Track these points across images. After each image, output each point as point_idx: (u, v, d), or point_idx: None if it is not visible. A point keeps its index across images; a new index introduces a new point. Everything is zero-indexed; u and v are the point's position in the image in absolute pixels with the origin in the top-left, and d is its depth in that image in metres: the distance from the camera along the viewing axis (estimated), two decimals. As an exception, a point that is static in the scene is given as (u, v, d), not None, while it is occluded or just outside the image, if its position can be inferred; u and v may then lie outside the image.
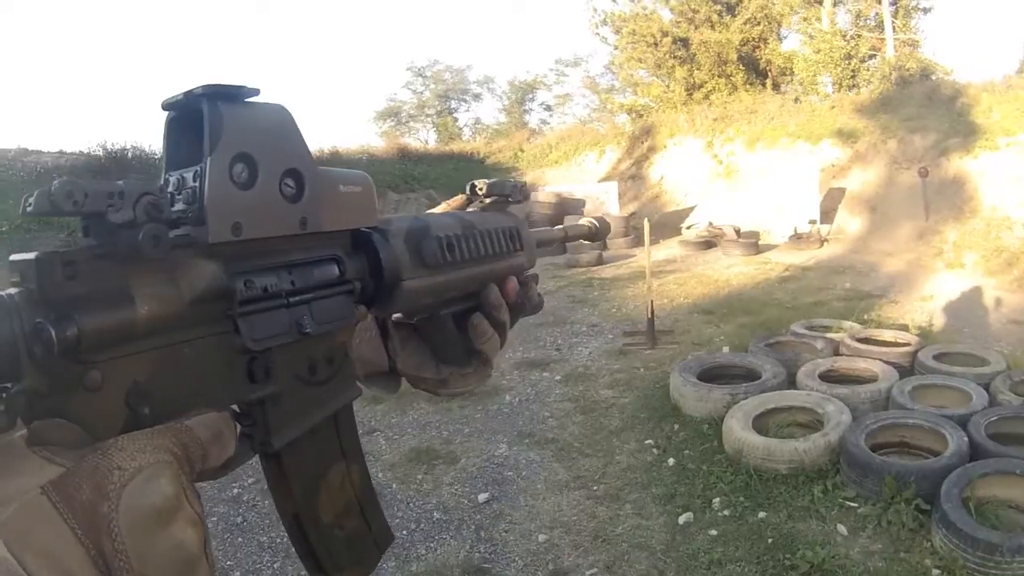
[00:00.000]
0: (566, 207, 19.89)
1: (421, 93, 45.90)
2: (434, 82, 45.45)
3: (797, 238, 17.76)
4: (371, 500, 0.79)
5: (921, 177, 17.02)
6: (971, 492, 4.68)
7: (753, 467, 5.49)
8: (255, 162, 0.62)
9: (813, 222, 18.08)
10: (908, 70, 24.48)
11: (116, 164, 18.63)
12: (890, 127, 19.83)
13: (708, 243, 18.20)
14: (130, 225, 0.50)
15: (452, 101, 46.45)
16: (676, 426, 6.63)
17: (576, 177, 26.19)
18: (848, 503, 5.09)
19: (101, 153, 19.37)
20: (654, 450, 6.24)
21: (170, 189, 0.61)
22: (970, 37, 56.53)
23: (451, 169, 26.62)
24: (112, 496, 0.45)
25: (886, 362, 7.23)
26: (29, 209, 0.48)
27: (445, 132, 44.13)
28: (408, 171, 25.14)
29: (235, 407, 0.64)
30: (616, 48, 32.72)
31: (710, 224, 19.73)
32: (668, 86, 30.00)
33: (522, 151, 30.21)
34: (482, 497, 5.59)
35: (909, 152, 18.92)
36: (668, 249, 18.13)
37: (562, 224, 1.22)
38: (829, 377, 7.00)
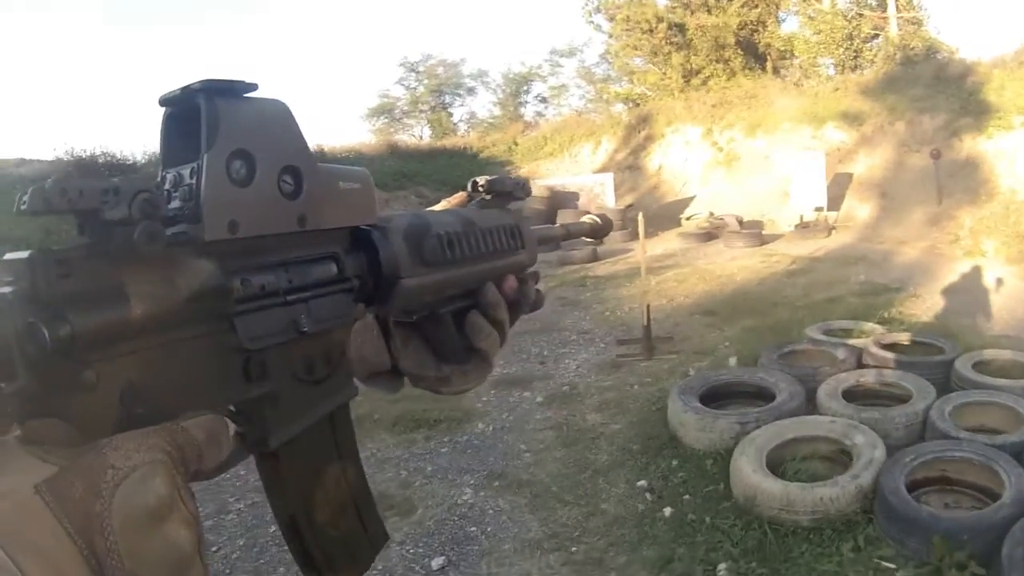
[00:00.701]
0: (559, 200, 19.04)
1: (414, 89, 45.03)
2: (427, 77, 44.63)
3: (803, 227, 16.82)
4: (367, 500, 0.77)
5: (933, 159, 16.12)
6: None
7: (768, 518, 4.50)
8: (253, 158, 0.61)
9: (820, 209, 17.13)
10: (913, 49, 23.50)
11: (83, 170, 17.88)
12: (897, 108, 18.97)
13: (709, 235, 17.27)
14: (125, 222, 0.49)
15: (446, 96, 45.62)
16: (675, 462, 5.65)
17: (572, 169, 25.52)
18: (884, 563, 4.10)
19: (68, 158, 18.76)
20: (647, 495, 5.25)
21: (167, 186, 0.59)
22: (974, 14, 55.13)
23: (443, 165, 25.96)
24: (105, 495, 0.44)
25: (918, 374, 6.28)
26: (23, 208, 0.47)
27: (439, 128, 43.27)
28: (398, 168, 24.35)
29: (231, 406, 0.62)
30: (611, 36, 31.86)
31: (711, 214, 18.86)
32: (665, 73, 29.13)
33: (516, 144, 29.58)
34: (437, 563, 4.60)
35: (918, 134, 18.06)
36: (667, 242, 17.21)
37: (556, 218, 0.98)
38: (855, 395, 6.08)
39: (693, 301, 11.26)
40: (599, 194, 19.97)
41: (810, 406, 5.98)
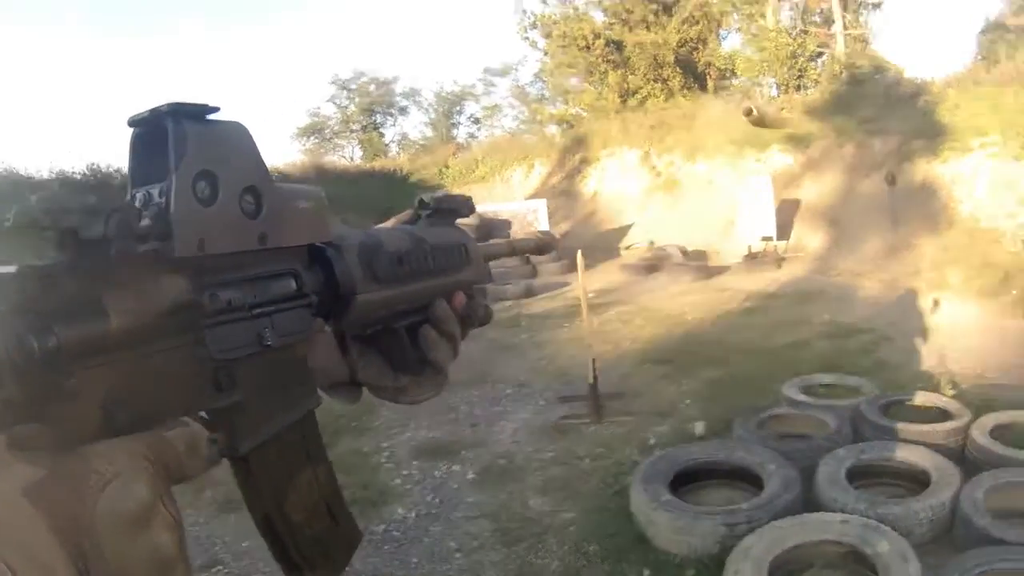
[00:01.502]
0: (490, 228, 17.58)
1: (345, 107, 43.44)
2: (359, 95, 43.09)
3: (751, 258, 15.63)
4: (338, 500, 0.80)
5: (888, 184, 15.06)
6: None
7: None
8: (216, 179, 0.63)
9: (768, 239, 15.92)
10: (860, 68, 22.54)
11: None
12: (846, 130, 17.98)
13: (652, 267, 15.97)
14: (102, 240, 0.52)
15: (378, 115, 44.05)
16: (646, 572, 4.38)
17: (504, 194, 24.19)
18: None
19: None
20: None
21: (137, 205, 0.61)
22: (918, 35, 55.10)
23: (371, 189, 24.35)
24: (89, 500, 0.46)
25: (929, 445, 5.16)
26: (7, 224, 0.50)
27: (371, 148, 41.75)
28: (325, 192, 22.47)
29: (203, 414, 0.65)
30: (546, 53, 30.75)
31: (651, 244, 17.59)
32: (601, 93, 27.98)
33: (447, 167, 28.33)
34: None
35: (868, 157, 17.03)
36: (607, 275, 15.86)
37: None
38: (861, 477, 4.91)
39: (642, 346, 9.91)
40: (532, 222, 18.63)
41: (808, 495, 4.76)
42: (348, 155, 42.20)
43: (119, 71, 75.16)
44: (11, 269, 0.49)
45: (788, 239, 16.43)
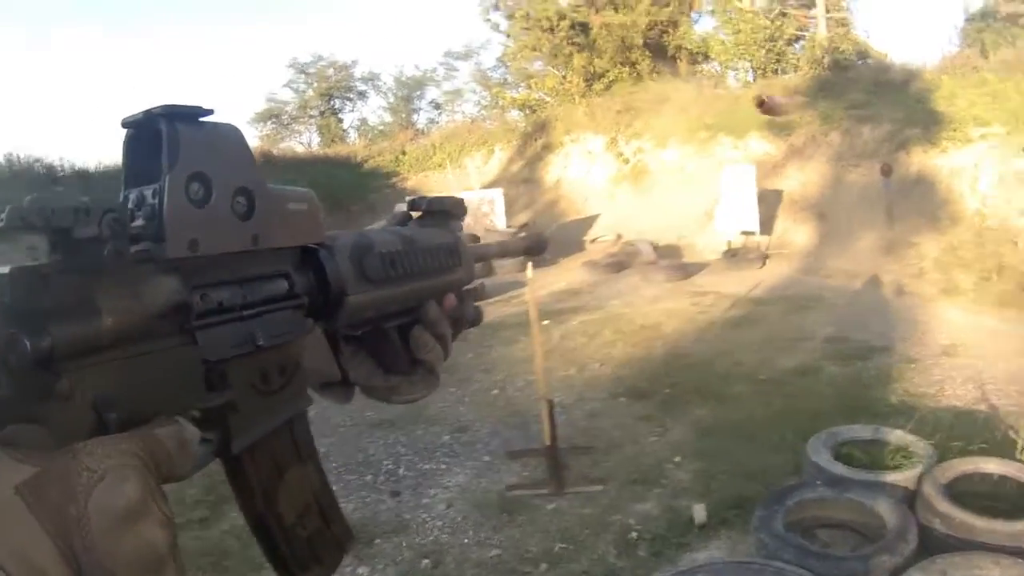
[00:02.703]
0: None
1: (303, 92, 41.79)
2: (318, 80, 41.57)
3: (732, 255, 14.05)
4: (330, 501, 0.80)
5: (883, 176, 13.60)
6: None
7: None
8: (210, 180, 0.63)
9: (750, 234, 14.31)
10: (842, 52, 21.08)
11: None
12: (832, 116, 16.56)
13: (620, 263, 14.33)
14: (95, 240, 0.52)
15: (336, 100, 42.57)
16: None
17: (462, 181, 22.56)
18: None
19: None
20: None
21: (130, 205, 0.62)
22: (896, 22, 53.65)
23: (323, 177, 22.45)
24: (80, 497, 0.46)
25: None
26: (0, 224, 0.49)
27: (328, 134, 39.99)
28: (272, 180, 20.95)
29: (195, 413, 0.64)
30: (509, 36, 29.18)
31: (619, 237, 15.97)
32: (565, 76, 26.32)
33: (404, 154, 26.51)
34: None
35: (857, 146, 15.64)
36: (570, 273, 14.19)
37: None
38: None
39: (613, 371, 8.14)
40: (487, 213, 16.95)
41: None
42: (306, 141, 40.50)
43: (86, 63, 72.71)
44: (4, 270, 0.49)
45: (771, 234, 14.86)
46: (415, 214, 1.00)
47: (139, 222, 0.60)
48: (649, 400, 7.07)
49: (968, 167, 13.65)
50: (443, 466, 6.03)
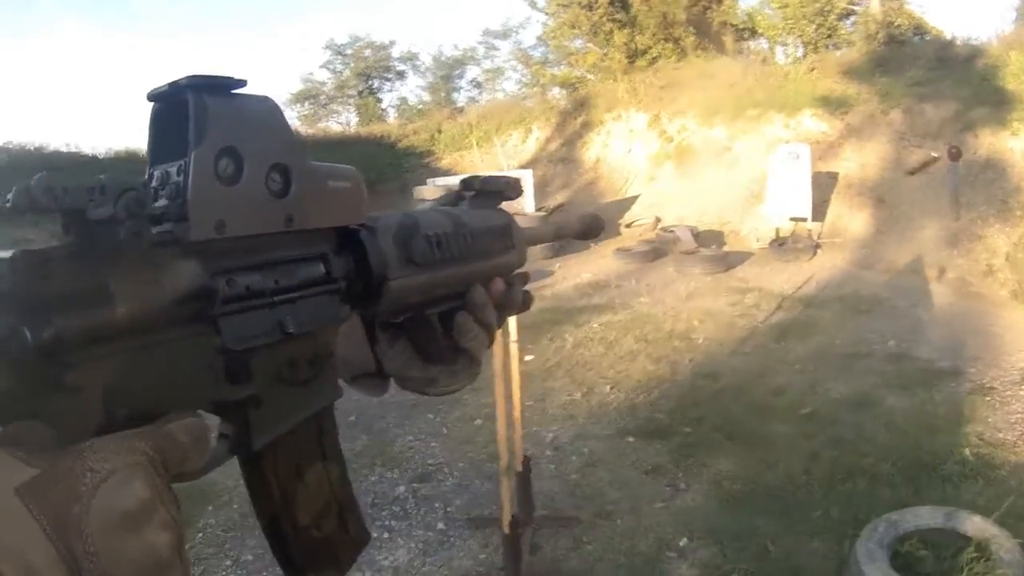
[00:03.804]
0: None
1: (340, 73, 42.12)
2: (354, 60, 41.68)
3: (779, 244, 12.87)
4: (349, 501, 0.76)
5: (952, 160, 12.39)
6: None
7: None
8: (241, 156, 0.60)
9: (801, 220, 13.15)
10: (898, 27, 19.79)
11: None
12: (892, 94, 15.32)
13: (656, 251, 13.27)
14: (111, 221, 0.50)
15: (374, 80, 42.76)
16: None
17: (490, 163, 21.64)
18: None
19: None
20: None
21: (154, 184, 0.60)
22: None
23: (355, 157, 21.84)
24: (84, 498, 0.45)
25: None
26: (7, 206, 0.47)
27: (367, 114, 40.06)
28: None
29: (214, 408, 0.62)
30: (547, 15, 28.24)
31: (657, 221, 14.90)
32: (606, 53, 25.25)
33: (440, 132, 25.81)
34: None
35: (920, 125, 14.43)
36: (599, 261, 13.13)
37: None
38: None
39: (626, 396, 6.98)
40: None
41: None
42: (344, 121, 40.71)
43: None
44: (5, 254, 0.46)
45: (823, 221, 13.67)
46: (468, 194, 0.93)
47: (162, 201, 0.57)
48: (664, 442, 5.93)
49: (1045, 151, 12.51)
50: (386, 534, 4.89)
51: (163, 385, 0.54)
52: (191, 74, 0.58)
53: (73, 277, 0.48)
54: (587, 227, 1.15)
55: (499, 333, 3.07)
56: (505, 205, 0.96)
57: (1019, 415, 6.03)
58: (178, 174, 0.57)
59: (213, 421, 0.59)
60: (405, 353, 0.86)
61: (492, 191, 0.94)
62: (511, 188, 0.97)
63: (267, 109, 0.63)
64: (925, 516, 4.19)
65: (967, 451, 5.36)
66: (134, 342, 0.52)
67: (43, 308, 0.46)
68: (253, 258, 0.62)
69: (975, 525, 4.07)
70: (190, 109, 0.57)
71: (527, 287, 0.98)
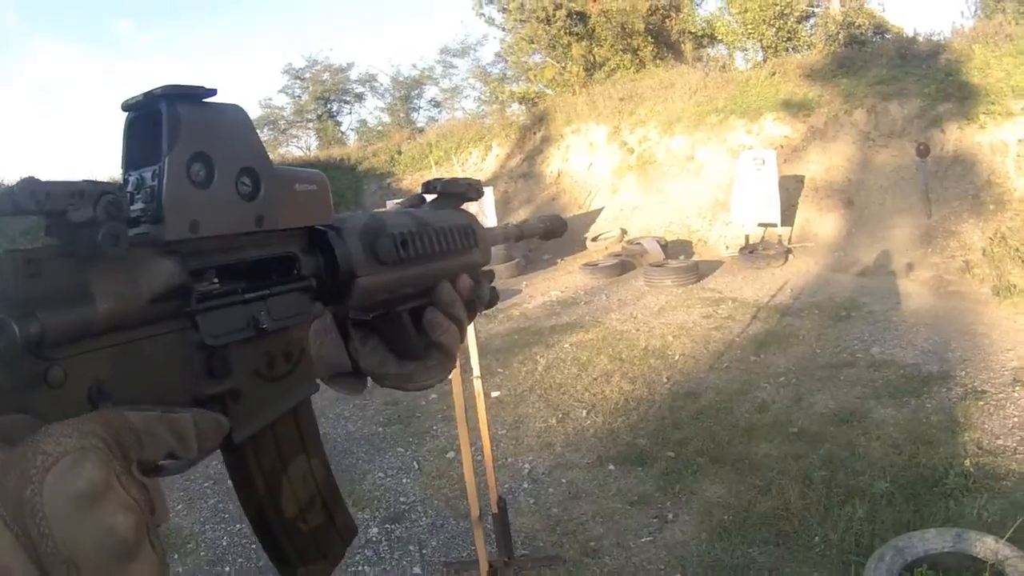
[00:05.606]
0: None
1: (299, 97, 41.72)
2: (312, 84, 41.12)
3: (749, 251, 12.51)
4: (334, 493, 0.78)
5: (920, 157, 12.14)
6: None
7: None
8: (212, 161, 0.62)
9: (770, 226, 12.83)
10: (858, 27, 19.68)
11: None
12: (855, 94, 15.15)
13: (623, 264, 12.85)
14: (90, 224, 0.51)
15: (333, 104, 42.35)
16: None
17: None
18: None
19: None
20: None
21: (129, 188, 0.61)
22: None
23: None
24: (36, 480, 0.45)
25: None
26: None
27: (326, 137, 39.81)
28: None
29: (196, 401, 0.63)
30: (504, 30, 28.16)
31: (623, 233, 14.55)
32: (564, 67, 25.01)
33: (400, 153, 25.42)
34: None
35: (885, 124, 14.25)
36: (566, 277, 12.78)
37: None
38: None
39: (604, 421, 6.57)
40: (476, 212, 15.55)
41: None
42: (304, 146, 40.35)
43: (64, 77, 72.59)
44: None
45: (792, 225, 13.37)
46: (429, 197, 0.95)
47: (138, 205, 0.58)
48: (647, 468, 5.54)
49: (1011, 143, 12.36)
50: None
51: (146, 379, 0.55)
52: (164, 84, 0.59)
53: (57, 276, 0.49)
54: (550, 227, 1.15)
55: (459, 369, 2.75)
56: (468, 221, 0.96)
57: (1016, 419, 5.69)
58: (153, 179, 0.58)
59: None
60: (379, 351, 0.87)
61: (454, 193, 0.95)
62: (472, 190, 0.98)
63: (236, 117, 0.64)
64: (933, 540, 3.82)
65: (967, 462, 5.01)
66: (115, 338, 0.52)
67: (30, 305, 0.47)
68: (226, 257, 0.63)
69: (987, 547, 3.72)
70: (163, 117, 0.58)
71: (498, 302, 0.99)
